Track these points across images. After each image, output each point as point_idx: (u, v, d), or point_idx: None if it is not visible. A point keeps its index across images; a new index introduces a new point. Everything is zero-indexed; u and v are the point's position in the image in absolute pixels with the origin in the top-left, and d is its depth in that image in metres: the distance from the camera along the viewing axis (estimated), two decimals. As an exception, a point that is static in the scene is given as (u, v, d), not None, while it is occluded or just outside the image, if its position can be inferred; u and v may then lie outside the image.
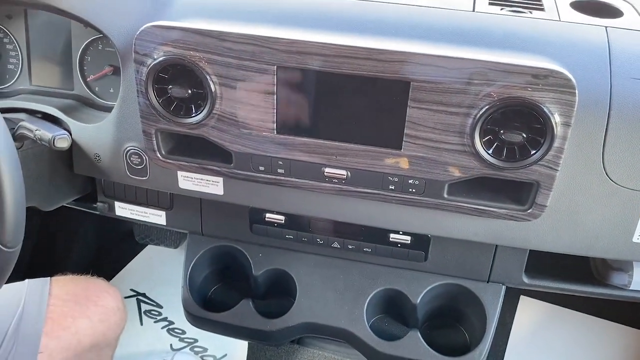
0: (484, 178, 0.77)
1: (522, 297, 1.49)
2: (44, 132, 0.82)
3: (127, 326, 1.11)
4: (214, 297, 1.09)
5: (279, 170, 0.82)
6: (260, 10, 0.82)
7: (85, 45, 1.00)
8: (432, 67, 0.71)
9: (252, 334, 1.00)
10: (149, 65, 0.77)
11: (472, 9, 0.87)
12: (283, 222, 0.95)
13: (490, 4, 0.90)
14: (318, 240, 0.95)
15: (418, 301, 0.97)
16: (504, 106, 0.70)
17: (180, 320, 1.54)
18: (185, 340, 1.51)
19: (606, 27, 0.82)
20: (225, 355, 1.47)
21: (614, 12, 0.90)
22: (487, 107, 0.71)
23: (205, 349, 1.49)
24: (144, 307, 1.57)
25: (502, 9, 0.87)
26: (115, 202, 1.06)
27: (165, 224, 1.05)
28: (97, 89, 1.03)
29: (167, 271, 1.63)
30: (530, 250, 0.93)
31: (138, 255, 1.67)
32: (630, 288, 0.94)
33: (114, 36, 0.86)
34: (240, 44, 0.74)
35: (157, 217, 1.05)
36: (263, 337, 1.00)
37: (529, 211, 0.78)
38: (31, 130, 0.82)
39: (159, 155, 0.86)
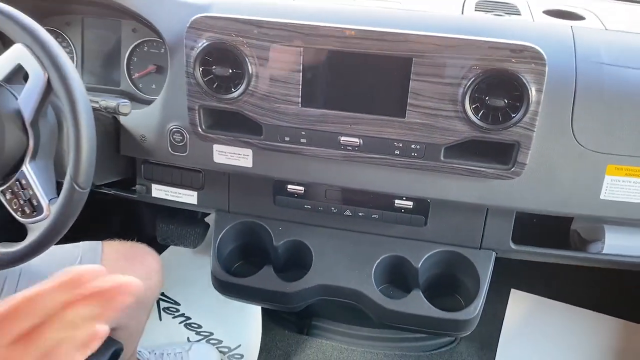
0: (474, 142, 0.91)
1: (512, 290, 1.61)
2: (108, 101, 0.97)
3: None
4: (237, 272, 1.21)
5: (302, 140, 0.97)
6: (282, 13, 0.98)
7: (133, 48, 1.17)
8: (431, 45, 0.87)
9: (273, 296, 1.12)
10: (198, 48, 0.93)
11: (460, 14, 1.05)
12: (302, 192, 1.09)
13: (476, 10, 1.07)
14: (332, 209, 1.09)
15: (419, 265, 1.09)
16: (489, 76, 0.86)
17: (197, 316, 1.65)
18: (202, 333, 1.61)
19: (572, 26, 1.00)
20: (240, 345, 1.57)
21: (579, 17, 1.08)
22: (474, 77, 0.86)
23: (221, 341, 1.59)
24: (162, 304, 1.67)
25: (486, 14, 1.05)
26: (152, 184, 1.19)
27: (196, 203, 1.19)
28: (140, 85, 1.19)
29: (184, 272, 1.74)
30: (515, 219, 1.07)
31: (157, 258, 1.79)
32: (604, 252, 1.07)
33: (165, 31, 1.02)
34: (273, 30, 0.91)
35: (189, 197, 1.19)
36: (283, 299, 1.12)
37: (512, 170, 0.92)
38: (96, 102, 0.97)
39: (200, 130, 1.00)
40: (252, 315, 1.60)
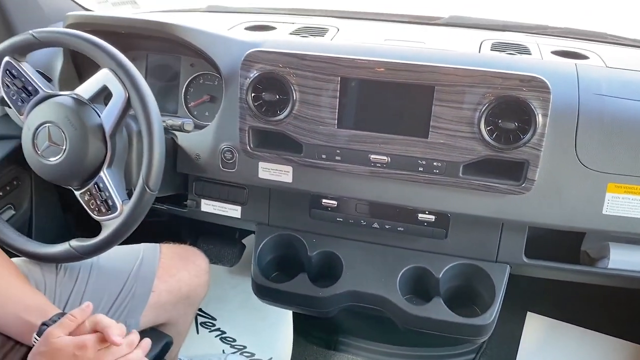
0: (489, 160, 1.03)
1: (529, 313, 1.68)
2: (174, 120, 1.11)
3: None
4: (274, 280, 1.32)
5: (337, 158, 1.10)
6: (322, 49, 1.13)
7: (190, 80, 1.33)
8: (451, 75, 1.00)
9: (307, 301, 1.22)
10: (251, 78, 1.08)
11: (477, 52, 1.18)
12: (335, 206, 1.20)
13: (491, 50, 1.21)
14: (362, 221, 1.20)
15: (440, 276, 1.19)
16: (501, 103, 0.98)
17: (231, 330, 1.75)
18: (236, 346, 1.70)
19: (576, 63, 1.12)
20: (271, 358, 1.66)
21: (583, 57, 1.20)
22: (489, 103, 0.99)
23: (253, 354, 1.68)
24: (200, 319, 1.78)
25: (500, 53, 1.19)
26: (202, 199, 1.32)
27: (240, 217, 1.31)
28: (195, 113, 1.34)
29: (220, 291, 1.85)
30: (527, 236, 1.17)
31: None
32: (609, 267, 1.16)
33: (222, 64, 1.18)
34: (316, 62, 1.05)
35: (233, 211, 1.31)
36: (316, 303, 1.22)
37: (522, 185, 1.03)
38: (163, 121, 1.11)
39: (248, 148, 1.14)
40: (283, 330, 1.70)
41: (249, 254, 1.91)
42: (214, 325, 1.77)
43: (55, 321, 0.88)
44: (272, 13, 1.61)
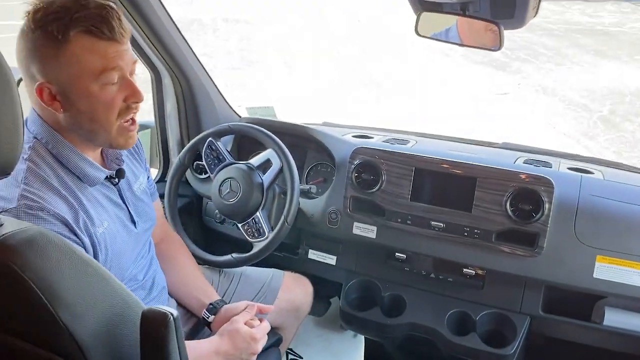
0: (513, 231, 1.47)
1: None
2: (303, 185, 1.66)
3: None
4: (354, 314, 1.75)
5: (408, 222, 1.58)
6: (404, 148, 1.65)
7: (311, 167, 1.89)
8: (488, 171, 1.48)
9: (379, 327, 1.64)
10: (355, 164, 1.61)
11: (513, 162, 1.67)
12: (405, 258, 1.66)
13: (523, 163, 1.69)
14: (422, 272, 1.64)
15: (477, 318, 1.59)
16: (521, 192, 1.45)
17: (313, 367, 2.15)
18: (315, 379, 2.10)
19: (581, 175, 1.58)
20: (342, 390, 2.03)
21: (589, 172, 1.65)
22: (512, 191, 1.45)
23: (328, 386, 2.06)
24: (290, 356, 2.20)
25: (528, 165, 1.66)
26: (309, 249, 1.82)
27: (334, 264, 1.79)
28: (312, 189, 1.88)
29: (308, 337, 2.26)
30: (546, 297, 1.56)
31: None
32: (604, 324, 1.51)
33: (337, 156, 1.73)
34: (399, 157, 1.57)
35: (331, 259, 1.79)
36: (386, 330, 1.63)
37: (535, 250, 1.45)
38: (297, 186, 1.65)
39: (348, 211, 1.65)
40: (354, 371, 2.09)
41: (331, 312, 2.34)
42: (299, 362, 2.18)
43: (218, 304, 1.36)
44: (369, 129, 2.18)
